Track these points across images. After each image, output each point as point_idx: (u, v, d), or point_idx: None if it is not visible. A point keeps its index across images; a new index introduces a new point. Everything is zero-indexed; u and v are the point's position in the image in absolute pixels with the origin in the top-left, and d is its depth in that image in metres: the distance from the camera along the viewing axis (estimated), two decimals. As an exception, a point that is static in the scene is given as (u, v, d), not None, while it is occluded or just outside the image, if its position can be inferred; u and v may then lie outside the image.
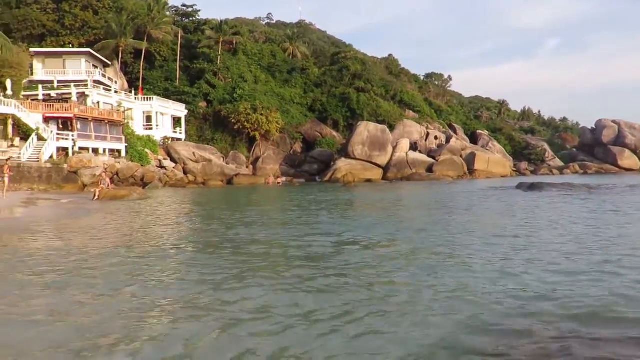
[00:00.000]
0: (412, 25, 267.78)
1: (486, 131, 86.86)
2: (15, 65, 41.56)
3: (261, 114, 60.28)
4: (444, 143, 69.59)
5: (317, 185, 51.06)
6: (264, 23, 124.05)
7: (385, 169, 60.04)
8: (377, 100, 73.96)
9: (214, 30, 71.31)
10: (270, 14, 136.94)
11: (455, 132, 77.84)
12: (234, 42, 72.74)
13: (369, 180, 55.89)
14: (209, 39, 70.35)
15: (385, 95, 77.90)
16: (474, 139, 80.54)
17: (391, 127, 66.87)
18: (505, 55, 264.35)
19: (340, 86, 74.29)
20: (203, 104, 65.04)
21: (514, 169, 73.87)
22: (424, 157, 63.36)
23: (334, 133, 70.06)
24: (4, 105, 36.66)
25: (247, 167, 60.03)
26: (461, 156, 65.52)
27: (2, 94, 38.33)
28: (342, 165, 57.68)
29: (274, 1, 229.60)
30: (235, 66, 70.63)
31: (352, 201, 27.82)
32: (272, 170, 59.99)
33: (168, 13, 73.74)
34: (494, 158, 69.23)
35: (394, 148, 61.53)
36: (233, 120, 60.34)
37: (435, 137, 71.43)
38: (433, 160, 62.64)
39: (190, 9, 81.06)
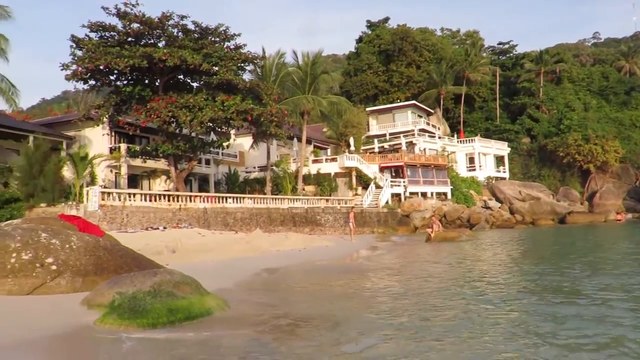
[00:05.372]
0: None
1: None
2: (356, 124, 48.19)
3: (595, 144, 54.34)
4: None
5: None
6: (589, 44, 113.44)
7: None
8: None
9: (533, 62, 68.57)
10: (596, 32, 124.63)
11: None
12: (557, 70, 68.19)
13: None
14: (528, 72, 67.94)
15: None
16: None
17: None
18: None
19: (700, 100, 60.94)
20: (526, 140, 62.49)
21: None
22: None
23: (697, 157, 57.46)
24: (349, 160, 42.75)
25: (581, 203, 54.35)
26: None
27: (347, 150, 44.93)
28: None
29: (599, 18, 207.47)
30: (560, 96, 65.88)
31: None
32: (613, 205, 52.71)
33: (484, 54, 74.63)
34: None
35: None
36: (561, 154, 55.93)
37: None
38: None
39: (506, 46, 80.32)
